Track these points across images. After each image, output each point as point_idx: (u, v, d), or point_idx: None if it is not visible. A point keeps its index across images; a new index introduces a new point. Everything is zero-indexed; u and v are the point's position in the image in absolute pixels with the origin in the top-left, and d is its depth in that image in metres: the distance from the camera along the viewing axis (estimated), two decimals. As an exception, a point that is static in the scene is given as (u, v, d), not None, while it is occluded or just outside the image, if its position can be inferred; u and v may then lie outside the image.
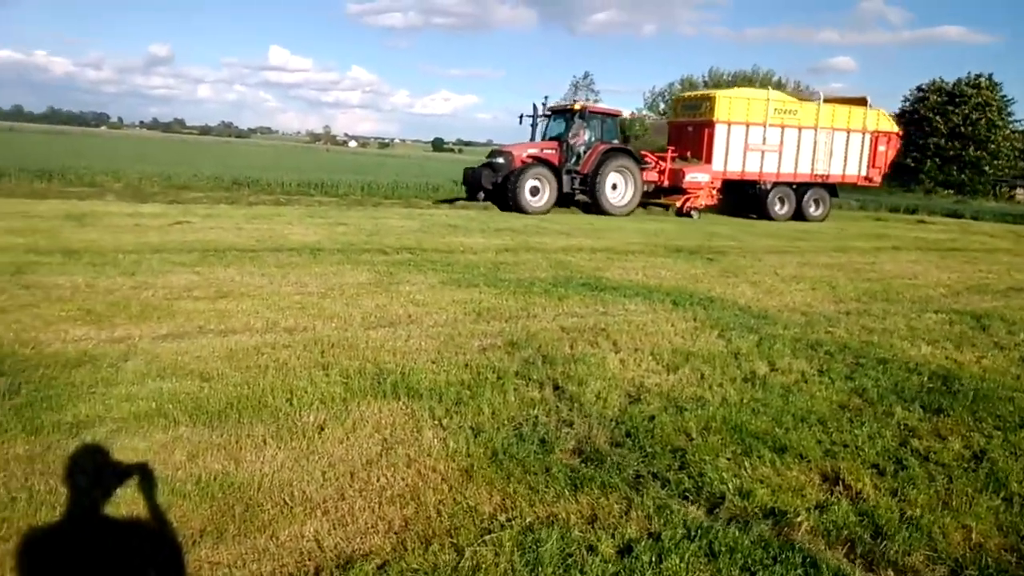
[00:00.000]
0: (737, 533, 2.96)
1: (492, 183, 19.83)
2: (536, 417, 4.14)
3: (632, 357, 5.45)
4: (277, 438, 3.67)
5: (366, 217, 15.43)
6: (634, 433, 3.96)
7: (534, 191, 19.33)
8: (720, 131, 21.30)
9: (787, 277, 10.05)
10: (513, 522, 2.96)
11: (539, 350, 5.50)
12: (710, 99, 21.80)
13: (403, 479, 3.32)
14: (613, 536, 2.91)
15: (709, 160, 21.32)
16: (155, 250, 9.20)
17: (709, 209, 21.76)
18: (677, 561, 2.73)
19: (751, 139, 21.61)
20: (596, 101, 59.39)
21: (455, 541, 2.80)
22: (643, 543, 2.85)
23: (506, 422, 4.04)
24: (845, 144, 22.90)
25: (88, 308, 6.01)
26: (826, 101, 23.14)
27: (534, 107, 21.41)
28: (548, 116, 21.58)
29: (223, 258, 8.86)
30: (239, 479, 3.21)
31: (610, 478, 3.39)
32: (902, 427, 4.34)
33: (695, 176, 20.99)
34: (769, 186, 22.10)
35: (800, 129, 22.13)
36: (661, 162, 21.51)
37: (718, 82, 50.06)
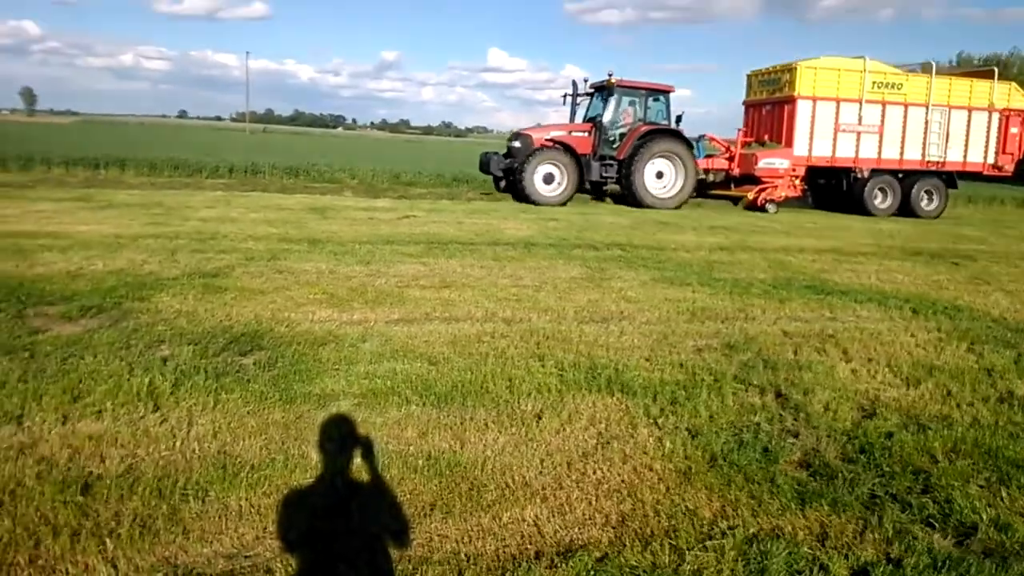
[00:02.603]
0: (993, 569, 2.64)
1: (503, 169, 17.56)
2: (758, 424, 3.96)
3: (865, 367, 5.05)
4: (498, 423, 3.81)
5: (576, 213, 15.61)
6: (869, 450, 3.66)
7: (548, 179, 16.88)
8: (803, 108, 17.96)
9: (1052, 287, 8.81)
10: (735, 531, 2.84)
11: (759, 354, 5.25)
12: (791, 71, 18.24)
13: (619, 474, 3.31)
14: (847, 557, 2.70)
15: (790, 144, 18.04)
16: (386, 241, 9.93)
17: (790, 202, 18.59)
18: (922, 593, 2.49)
19: (843, 118, 18.12)
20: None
21: (674, 543, 2.75)
22: (881, 568, 2.62)
23: (725, 427, 3.90)
24: (966, 125, 18.83)
25: (331, 292, 6.62)
26: (939, 73, 19.06)
27: (573, 84, 18.48)
28: (591, 94, 18.44)
29: (446, 250, 9.37)
30: (464, 459, 3.37)
31: (842, 495, 3.16)
32: None
33: (771, 162, 17.87)
34: (866, 174, 18.56)
35: (907, 106, 18.40)
36: (732, 148, 18.73)
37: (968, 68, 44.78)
